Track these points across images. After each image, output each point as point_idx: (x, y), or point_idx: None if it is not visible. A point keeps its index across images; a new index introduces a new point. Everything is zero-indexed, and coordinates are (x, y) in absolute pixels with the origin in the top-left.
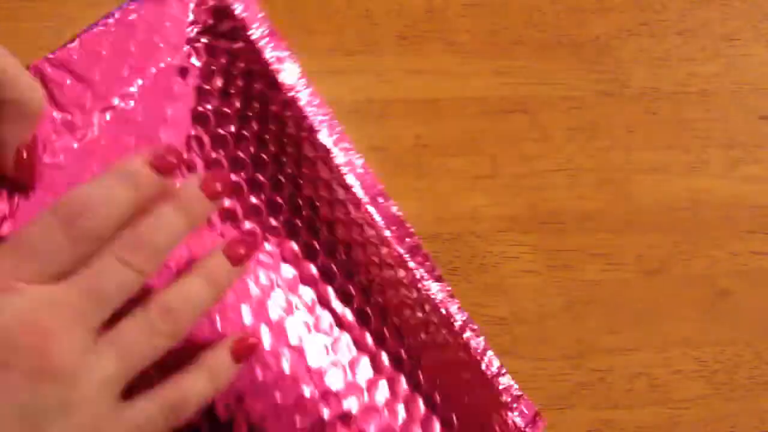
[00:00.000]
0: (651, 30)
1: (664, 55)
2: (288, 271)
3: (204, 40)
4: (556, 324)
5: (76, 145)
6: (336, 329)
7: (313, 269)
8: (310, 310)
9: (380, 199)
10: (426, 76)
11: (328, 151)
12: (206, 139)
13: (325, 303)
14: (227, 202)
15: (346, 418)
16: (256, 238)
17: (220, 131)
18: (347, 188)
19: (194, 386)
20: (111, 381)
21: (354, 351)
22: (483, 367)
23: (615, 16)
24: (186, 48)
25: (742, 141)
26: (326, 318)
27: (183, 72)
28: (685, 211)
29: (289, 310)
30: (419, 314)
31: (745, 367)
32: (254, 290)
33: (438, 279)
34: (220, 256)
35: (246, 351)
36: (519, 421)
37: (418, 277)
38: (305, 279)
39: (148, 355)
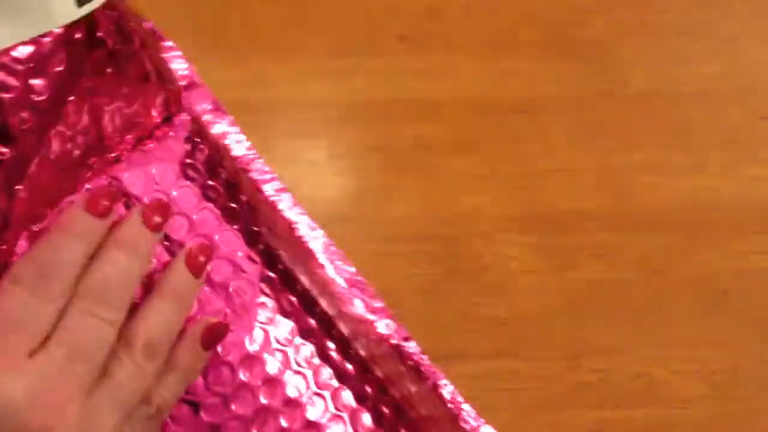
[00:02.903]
0: (651, 30)
1: (664, 55)
2: (286, 324)
3: None
4: (555, 324)
5: None
6: (336, 382)
7: (312, 322)
8: (309, 363)
9: (338, 263)
10: (426, 76)
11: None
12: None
13: (324, 356)
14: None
15: None
16: (211, 244)
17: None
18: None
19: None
20: (117, 428)
21: (355, 404)
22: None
23: (615, 16)
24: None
25: (742, 141)
26: (326, 371)
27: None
28: (685, 211)
29: (287, 363)
30: (402, 368)
31: (745, 367)
32: (250, 346)
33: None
34: (183, 271)
35: (214, 336)
36: None
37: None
38: (303, 332)
39: (141, 393)
